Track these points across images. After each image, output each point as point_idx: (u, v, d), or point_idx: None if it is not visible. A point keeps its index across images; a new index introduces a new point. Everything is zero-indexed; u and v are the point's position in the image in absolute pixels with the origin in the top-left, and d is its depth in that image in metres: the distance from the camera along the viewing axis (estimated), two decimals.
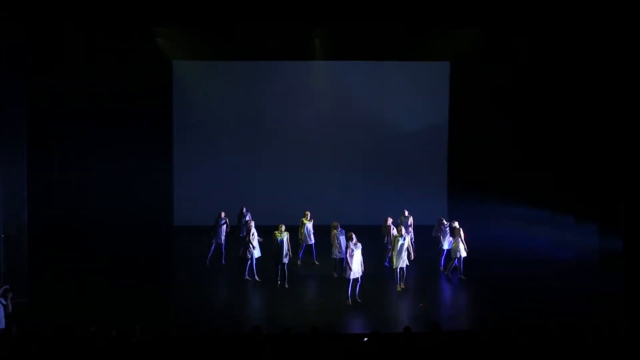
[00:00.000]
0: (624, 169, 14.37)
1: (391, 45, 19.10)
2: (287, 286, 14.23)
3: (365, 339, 9.09)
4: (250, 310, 13.44)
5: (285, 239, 14.14)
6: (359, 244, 13.25)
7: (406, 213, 16.55)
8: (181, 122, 20.37)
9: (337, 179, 20.23)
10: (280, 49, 19.23)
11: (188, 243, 18.63)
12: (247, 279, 14.65)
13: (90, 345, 8.81)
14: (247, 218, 16.38)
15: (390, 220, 15.77)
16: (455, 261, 14.88)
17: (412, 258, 14.66)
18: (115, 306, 12.68)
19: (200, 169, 20.25)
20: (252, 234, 14.53)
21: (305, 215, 16.00)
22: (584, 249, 16.24)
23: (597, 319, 11.16)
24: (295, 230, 15.74)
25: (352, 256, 13.08)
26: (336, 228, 15.10)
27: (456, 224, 14.97)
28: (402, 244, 13.80)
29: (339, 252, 14.64)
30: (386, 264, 15.44)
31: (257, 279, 14.63)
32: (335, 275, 14.88)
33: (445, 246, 15.41)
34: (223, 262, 15.97)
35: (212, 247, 15.93)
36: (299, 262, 15.86)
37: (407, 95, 20.33)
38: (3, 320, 10.41)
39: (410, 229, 16.21)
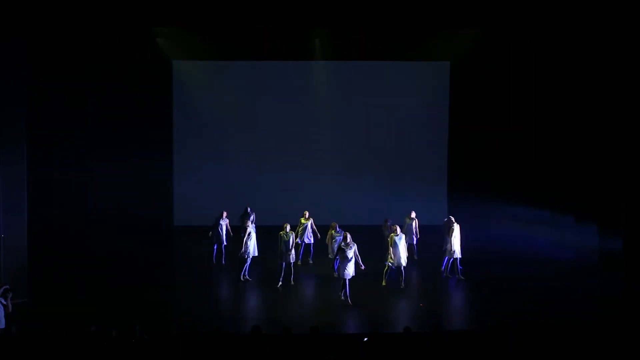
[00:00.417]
0: (624, 169, 14.37)
1: (391, 45, 19.11)
2: (292, 283, 14.32)
3: (365, 339, 9.09)
4: (250, 310, 13.45)
5: (291, 239, 14.16)
6: (353, 244, 13.20)
7: (412, 214, 16.29)
8: (181, 122, 20.39)
9: (337, 178, 20.24)
10: (280, 49, 19.24)
11: (188, 243, 18.62)
12: (248, 279, 14.66)
13: (90, 345, 8.81)
14: (251, 218, 16.39)
15: (389, 221, 15.73)
16: (446, 259, 14.85)
17: (416, 258, 14.60)
18: (115, 306, 12.66)
19: (200, 169, 20.27)
20: (248, 234, 14.51)
21: (303, 215, 16.01)
22: (584, 249, 16.24)
23: (597, 319, 11.20)
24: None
25: (345, 256, 13.04)
26: (334, 229, 15.09)
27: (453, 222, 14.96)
28: (397, 243, 13.78)
29: (333, 252, 14.66)
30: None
31: (248, 278, 14.66)
32: (336, 275, 14.85)
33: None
34: (223, 262, 15.98)
35: (215, 247, 15.94)
36: (299, 262, 15.87)
37: (407, 95, 20.33)
38: (3, 320, 10.39)
39: (416, 230, 16.14)
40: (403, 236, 14.09)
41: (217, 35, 18.71)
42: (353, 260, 13.11)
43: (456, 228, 14.69)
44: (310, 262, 16.09)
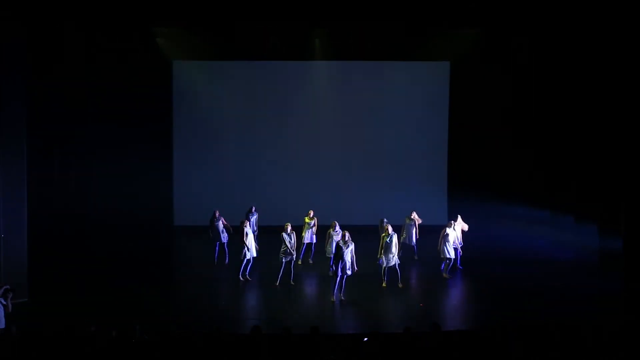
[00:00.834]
0: (624, 169, 14.36)
1: (391, 45, 19.12)
2: (292, 283, 14.31)
3: (365, 339, 9.09)
4: (250, 310, 13.44)
5: (293, 239, 14.16)
6: (351, 243, 13.18)
7: (412, 215, 16.20)
8: (181, 122, 20.38)
9: (337, 178, 20.24)
10: (280, 49, 19.25)
11: (188, 243, 18.61)
12: (248, 279, 14.66)
13: (90, 345, 8.81)
14: (253, 218, 16.37)
15: (385, 221, 15.67)
16: (445, 261, 14.88)
17: (416, 259, 14.51)
18: (115, 306, 12.65)
19: (200, 169, 20.26)
20: (246, 234, 14.50)
21: (308, 214, 16.01)
22: (584, 249, 16.25)
23: (597, 319, 11.19)
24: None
25: (342, 254, 13.02)
26: (333, 228, 15.11)
27: (452, 224, 14.97)
28: (389, 243, 13.75)
29: (331, 251, 14.67)
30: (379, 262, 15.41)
31: (249, 278, 14.65)
32: (331, 274, 14.85)
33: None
34: (227, 261, 15.97)
35: (217, 247, 15.94)
36: (299, 262, 15.86)
37: (407, 95, 20.33)
38: (3, 320, 10.40)
39: (416, 230, 16.13)
40: (395, 236, 13.93)
41: (217, 35, 18.72)
42: (349, 258, 13.11)
43: (449, 229, 14.70)
44: (311, 262, 16.08)
